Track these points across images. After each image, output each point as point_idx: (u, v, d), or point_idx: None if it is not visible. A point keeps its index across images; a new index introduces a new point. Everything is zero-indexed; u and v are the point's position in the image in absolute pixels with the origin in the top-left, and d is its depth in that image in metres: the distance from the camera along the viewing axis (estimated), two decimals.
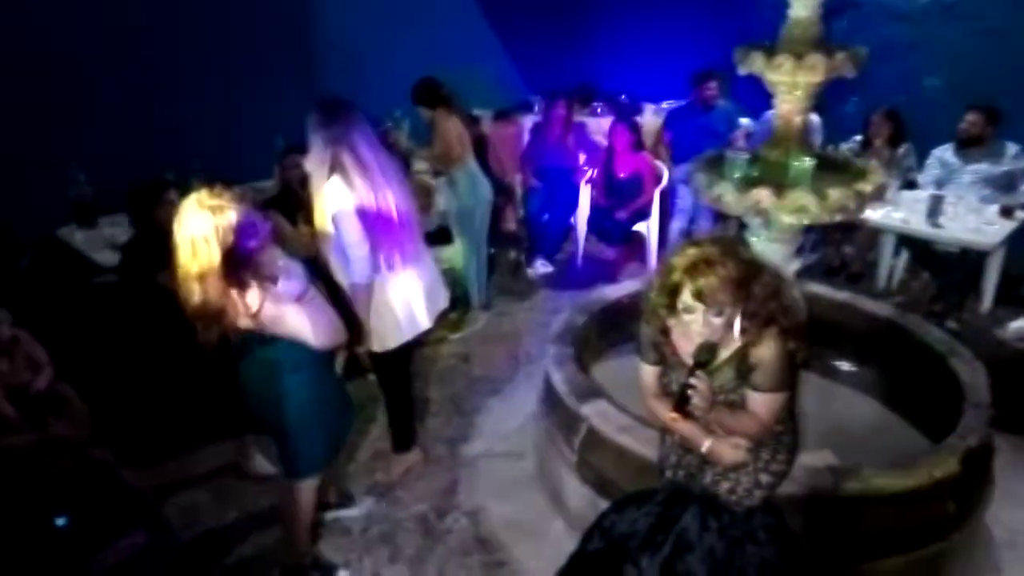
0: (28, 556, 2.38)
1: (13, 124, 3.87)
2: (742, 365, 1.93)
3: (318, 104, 2.82)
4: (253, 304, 2.19)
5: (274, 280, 2.23)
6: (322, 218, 2.83)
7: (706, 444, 2.04)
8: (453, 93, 4.35)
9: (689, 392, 1.85)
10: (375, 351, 3.03)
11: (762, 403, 1.93)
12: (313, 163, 2.80)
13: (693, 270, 1.82)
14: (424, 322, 3.08)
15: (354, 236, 2.76)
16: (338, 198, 2.76)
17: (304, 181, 3.79)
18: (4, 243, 3.71)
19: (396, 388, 3.23)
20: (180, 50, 4.53)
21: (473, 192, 4.43)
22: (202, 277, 2.13)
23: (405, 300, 2.98)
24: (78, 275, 3.77)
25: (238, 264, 2.14)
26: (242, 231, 2.14)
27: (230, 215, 2.13)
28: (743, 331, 1.89)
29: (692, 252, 1.86)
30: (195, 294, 2.15)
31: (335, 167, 2.76)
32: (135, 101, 4.34)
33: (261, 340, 2.32)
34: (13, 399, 2.86)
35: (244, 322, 2.23)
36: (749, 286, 1.84)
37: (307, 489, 2.60)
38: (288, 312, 2.28)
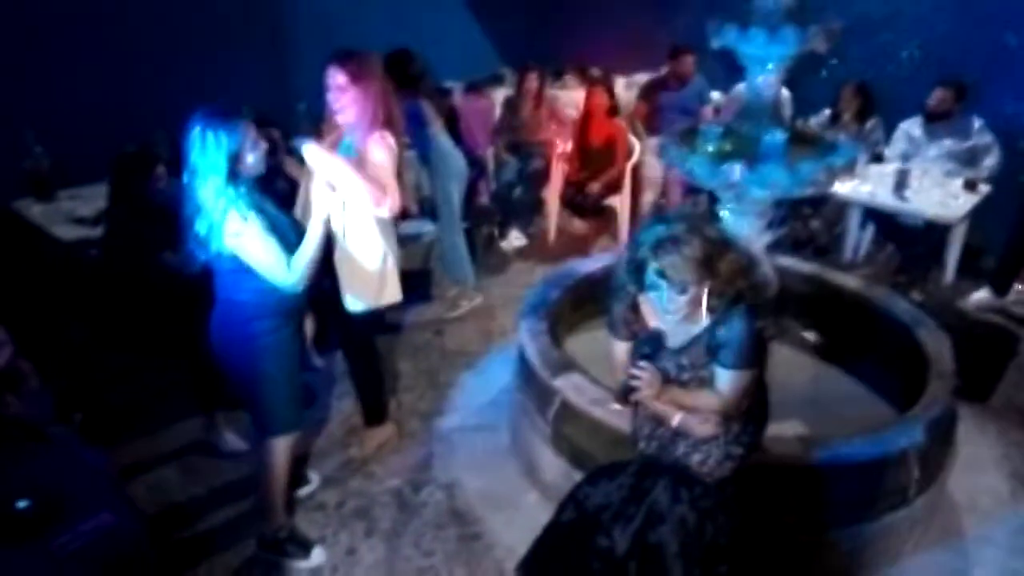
0: None
1: None
2: (711, 342, 1.95)
3: (359, 55, 2.67)
4: (240, 221, 2.25)
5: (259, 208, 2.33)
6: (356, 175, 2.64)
7: (676, 418, 2.06)
8: (425, 70, 4.19)
9: (632, 383, 1.92)
10: (353, 311, 2.88)
11: (728, 380, 1.95)
12: (362, 118, 2.66)
13: (658, 248, 1.84)
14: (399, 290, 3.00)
15: (392, 187, 2.68)
16: (388, 150, 2.68)
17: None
18: None
19: (365, 358, 3.15)
20: (143, 17, 4.37)
21: (447, 168, 4.33)
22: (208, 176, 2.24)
23: (395, 259, 2.91)
24: (36, 249, 3.65)
25: (238, 172, 2.27)
26: (248, 145, 2.30)
27: (242, 127, 2.28)
28: (710, 309, 1.91)
29: (658, 229, 1.88)
30: (197, 195, 2.26)
31: (388, 117, 2.67)
32: (96, 70, 4.18)
33: (230, 276, 2.35)
34: None
35: (226, 240, 2.27)
36: (714, 265, 1.86)
37: (281, 451, 2.59)
38: (262, 237, 2.29)
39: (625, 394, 1.97)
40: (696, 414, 2.03)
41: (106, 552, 2.36)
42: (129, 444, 3.20)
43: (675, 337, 2.00)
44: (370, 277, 2.85)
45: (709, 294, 1.90)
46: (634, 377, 1.92)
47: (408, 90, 4.06)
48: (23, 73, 3.92)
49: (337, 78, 2.63)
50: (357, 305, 2.88)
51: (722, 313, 1.93)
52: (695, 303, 1.91)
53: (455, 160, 4.30)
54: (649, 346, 2.00)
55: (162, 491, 3.03)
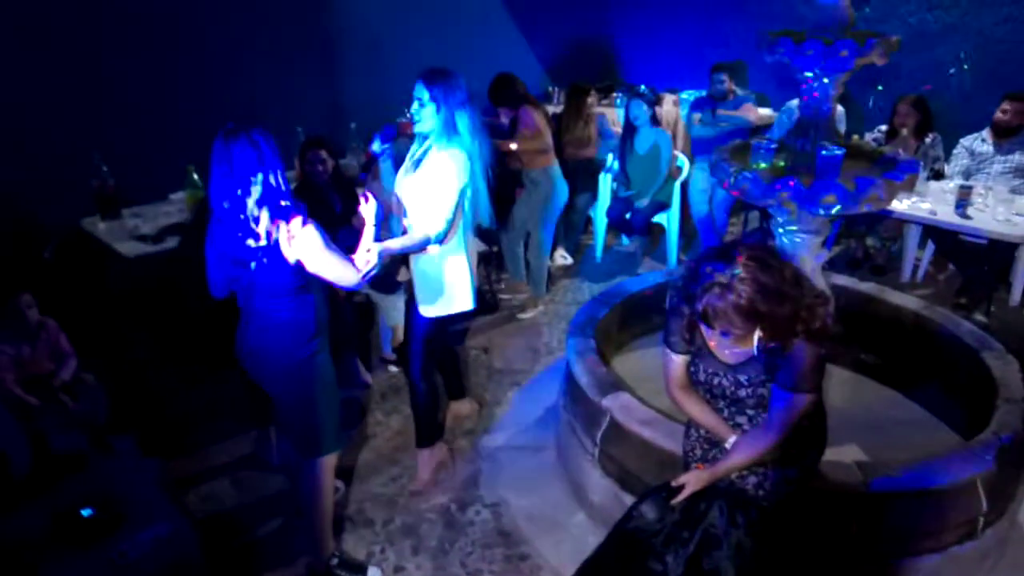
0: (54, 544, 2.40)
1: (38, 115, 3.89)
2: (770, 361, 1.90)
3: (436, 71, 2.74)
4: (297, 226, 2.23)
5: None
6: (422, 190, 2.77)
7: (731, 439, 2.02)
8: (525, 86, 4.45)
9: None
10: (424, 316, 2.93)
11: (784, 402, 1.90)
12: (435, 133, 2.75)
13: (706, 290, 1.79)
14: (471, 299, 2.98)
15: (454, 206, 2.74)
16: (455, 168, 2.72)
17: (332, 176, 3.81)
18: (29, 233, 3.73)
19: (423, 369, 3.06)
20: (202, 42, 4.53)
21: (560, 188, 4.53)
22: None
23: (470, 268, 2.93)
24: (102, 265, 3.78)
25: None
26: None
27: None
28: (762, 345, 1.87)
29: (714, 268, 1.80)
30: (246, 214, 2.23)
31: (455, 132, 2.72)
32: (157, 93, 4.34)
33: (289, 297, 2.33)
34: (36, 387, 2.88)
35: (290, 251, 2.25)
36: (765, 316, 1.78)
37: (329, 469, 2.59)
38: (326, 247, 2.30)
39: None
40: (749, 448, 2.00)
41: (163, 561, 2.42)
42: (184, 457, 3.27)
43: (733, 353, 1.97)
44: (440, 284, 2.88)
45: (760, 334, 1.86)
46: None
47: (529, 105, 4.37)
48: (91, 100, 4.09)
49: (421, 93, 2.73)
50: (427, 311, 2.91)
51: (779, 342, 1.88)
52: (742, 341, 1.87)
53: (561, 180, 4.53)
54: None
55: (215, 503, 3.08)
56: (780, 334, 1.83)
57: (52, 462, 2.78)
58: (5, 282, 2.99)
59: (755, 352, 1.90)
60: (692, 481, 2.03)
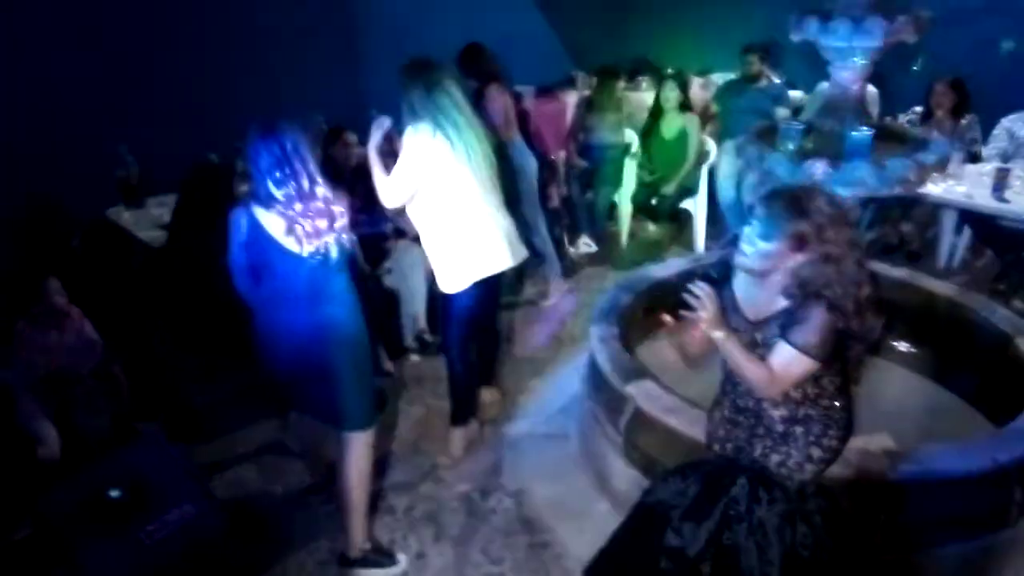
0: (83, 525, 2.45)
1: (64, 106, 3.95)
2: (787, 321, 1.86)
3: (411, 61, 2.96)
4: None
5: None
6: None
7: (720, 334, 1.86)
8: (496, 62, 4.34)
9: (690, 299, 1.84)
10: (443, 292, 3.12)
11: (783, 355, 1.83)
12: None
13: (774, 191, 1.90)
14: (493, 266, 3.06)
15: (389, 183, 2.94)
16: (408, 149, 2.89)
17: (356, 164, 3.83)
18: (56, 223, 3.80)
19: (452, 345, 3.19)
20: (225, 32, 4.57)
21: (528, 159, 4.48)
22: None
23: (476, 246, 3.02)
24: (127, 254, 3.85)
25: None
26: None
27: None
28: (790, 296, 1.84)
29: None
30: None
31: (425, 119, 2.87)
32: (179, 87, 4.39)
33: (344, 273, 2.50)
34: (62, 374, 2.94)
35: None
36: (806, 218, 1.80)
37: (368, 445, 2.62)
38: None
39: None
40: (749, 360, 1.90)
41: (189, 542, 2.46)
42: (209, 443, 3.31)
43: (756, 309, 1.93)
44: (436, 262, 3.03)
45: (792, 279, 1.81)
46: (690, 291, 1.84)
47: (483, 83, 4.21)
48: (116, 91, 4.15)
49: None
50: (443, 288, 3.08)
51: (802, 299, 1.84)
52: (771, 262, 1.83)
53: (527, 151, 4.49)
54: (718, 272, 1.97)
55: (240, 489, 3.12)
56: (810, 286, 1.80)
57: (79, 447, 2.84)
58: (34, 270, 3.05)
59: (780, 309, 1.87)
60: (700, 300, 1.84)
